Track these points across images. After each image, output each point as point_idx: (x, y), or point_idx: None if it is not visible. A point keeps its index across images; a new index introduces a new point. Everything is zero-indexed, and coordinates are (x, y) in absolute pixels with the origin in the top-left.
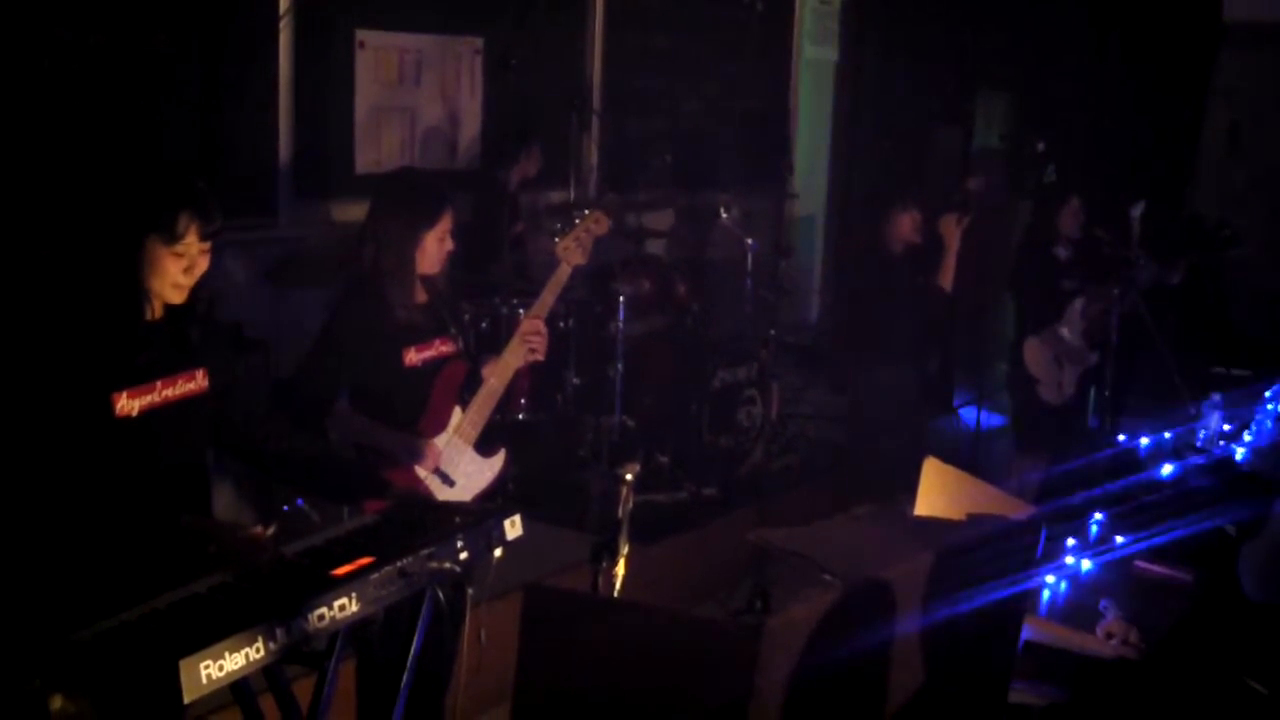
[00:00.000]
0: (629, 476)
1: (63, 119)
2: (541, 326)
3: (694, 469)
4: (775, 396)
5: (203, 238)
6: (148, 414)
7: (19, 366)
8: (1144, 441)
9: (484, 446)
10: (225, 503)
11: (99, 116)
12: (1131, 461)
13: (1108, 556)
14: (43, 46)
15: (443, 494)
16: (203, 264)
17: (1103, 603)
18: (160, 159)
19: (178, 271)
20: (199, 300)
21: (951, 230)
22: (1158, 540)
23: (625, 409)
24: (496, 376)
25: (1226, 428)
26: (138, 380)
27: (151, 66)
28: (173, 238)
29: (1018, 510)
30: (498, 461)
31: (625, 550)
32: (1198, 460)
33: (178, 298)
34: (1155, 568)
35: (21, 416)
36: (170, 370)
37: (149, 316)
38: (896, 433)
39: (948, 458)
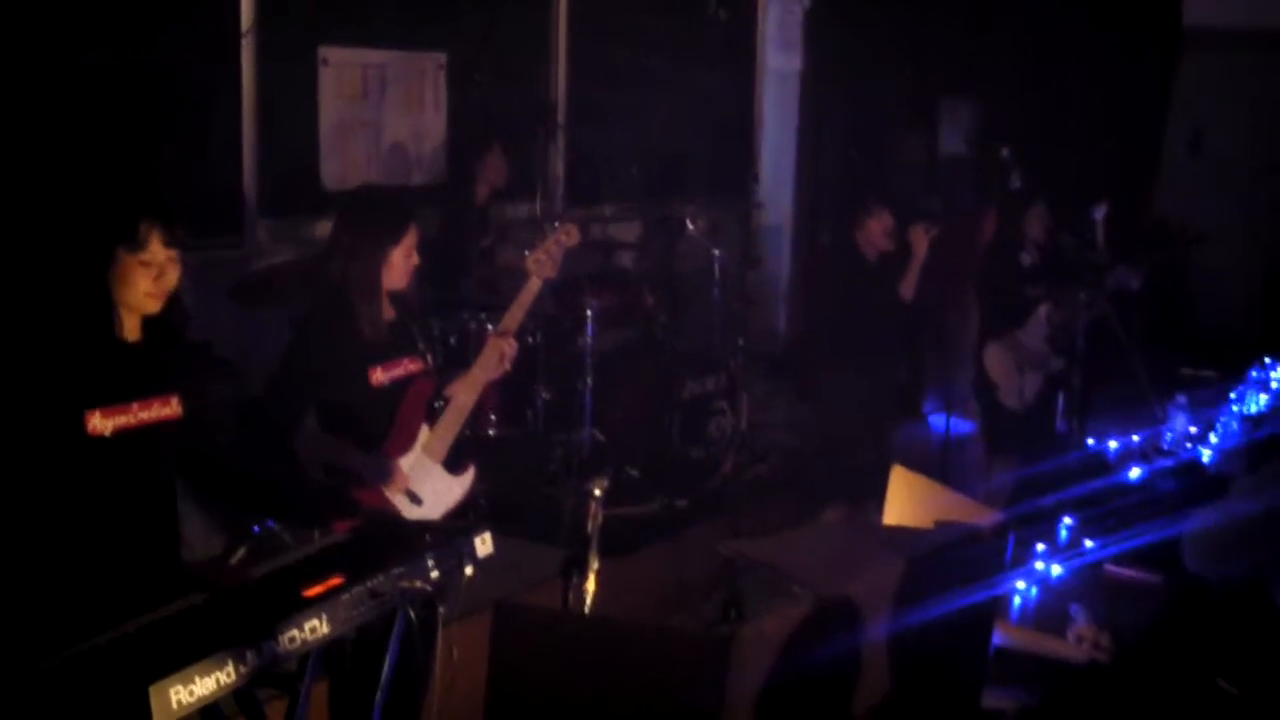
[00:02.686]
0: (598, 492)
1: (26, 140)
2: (511, 339)
3: (665, 481)
4: (745, 407)
5: (166, 244)
6: (120, 435)
7: None
8: (1112, 445)
9: (452, 464)
10: (195, 525)
11: (62, 137)
12: (1100, 465)
13: (1077, 561)
14: (11, 67)
15: (411, 513)
16: (172, 273)
17: (1073, 607)
18: (124, 177)
19: (147, 281)
20: (174, 320)
21: (920, 240)
22: (1127, 544)
23: (595, 422)
24: (464, 392)
25: (1193, 430)
26: (112, 400)
27: (114, 86)
28: (137, 245)
29: (985, 517)
30: (466, 479)
31: (595, 565)
32: (1165, 463)
33: (152, 306)
34: (1125, 571)
35: None
36: (146, 392)
37: (126, 336)
38: (861, 440)
39: (918, 464)
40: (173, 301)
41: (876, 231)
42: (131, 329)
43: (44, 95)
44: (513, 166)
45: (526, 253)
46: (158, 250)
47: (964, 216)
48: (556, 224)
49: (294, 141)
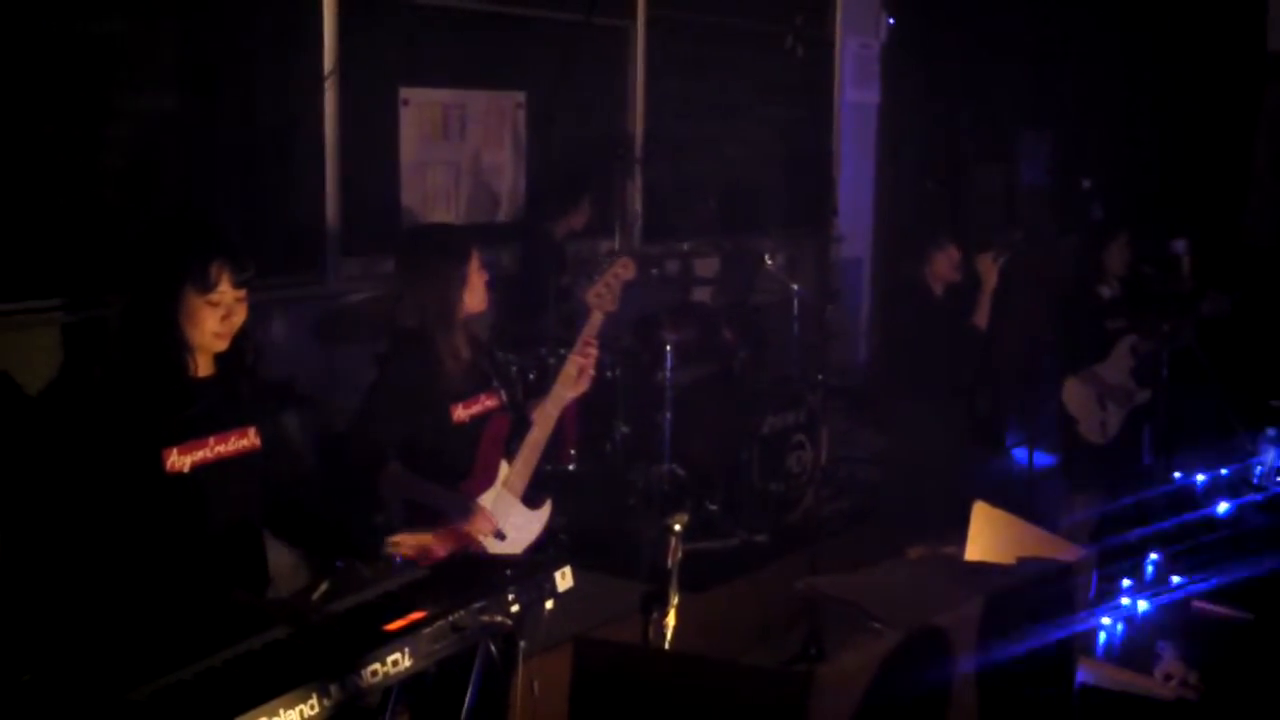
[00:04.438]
0: (677, 527)
1: (110, 182)
2: (589, 351)
3: (744, 516)
4: (825, 441)
5: (236, 285)
6: (199, 469)
7: (71, 424)
8: (1199, 478)
9: (530, 498)
10: (282, 558)
11: (146, 179)
12: (1187, 499)
13: (1165, 597)
14: (91, 113)
15: (495, 549)
16: (240, 312)
17: (1160, 644)
18: (196, 218)
19: (215, 320)
20: (245, 354)
21: (989, 269)
22: (1215, 580)
23: (674, 457)
24: (541, 421)
25: None
26: (188, 436)
27: (201, 128)
28: (206, 286)
29: (1068, 552)
30: (544, 513)
31: (675, 600)
32: (1254, 497)
33: (219, 345)
34: (1213, 607)
35: (75, 473)
36: (222, 426)
37: (196, 371)
38: (937, 473)
39: (1000, 498)
40: (241, 336)
41: (943, 265)
42: (203, 365)
43: (126, 137)
44: (594, 207)
45: (585, 286)
46: (226, 291)
47: (1041, 247)
48: (614, 257)
49: (375, 181)
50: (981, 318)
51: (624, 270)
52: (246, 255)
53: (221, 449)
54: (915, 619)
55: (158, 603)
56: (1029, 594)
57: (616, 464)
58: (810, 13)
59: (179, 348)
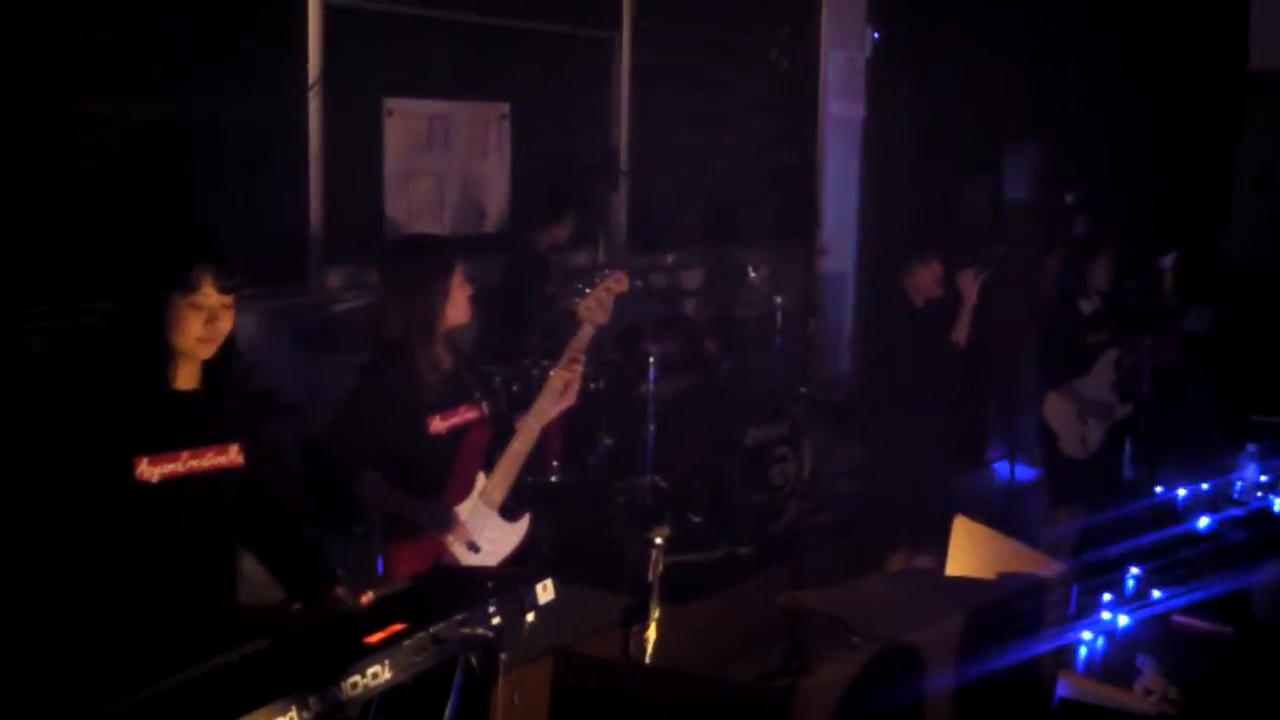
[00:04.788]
0: (659, 540)
1: (95, 189)
2: (575, 367)
3: (727, 527)
4: (808, 454)
5: (220, 289)
6: (168, 482)
7: (45, 426)
8: (1180, 493)
9: (509, 511)
10: (255, 573)
11: (130, 186)
12: (1168, 513)
13: (1145, 611)
14: (77, 120)
15: (468, 561)
16: (226, 319)
17: (1140, 658)
18: (180, 222)
19: (199, 325)
20: (234, 369)
21: (969, 285)
22: (1196, 595)
23: (657, 469)
24: (523, 434)
25: (1264, 478)
26: (162, 447)
27: (185, 136)
28: (189, 288)
29: (1049, 567)
30: (522, 526)
31: (656, 614)
32: (1235, 512)
33: (205, 351)
34: (1194, 622)
35: (46, 476)
36: (200, 441)
37: (181, 384)
38: (918, 486)
39: (981, 511)
40: (230, 350)
41: (926, 279)
42: (188, 377)
43: (109, 145)
44: (579, 219)
45: (577, 301)
46: (210, 294)
47: (1022, 262)
48: (606, 271)
49: (359, 190)
50: (960, 334)
51: (616, 284)
52: (231, 259)
53: (195, 464)
54: (896, 634)
55: (131, 612)
56: (1009, 609)
57: (600, 475)
58: (795, 26)
59: (162, 354)
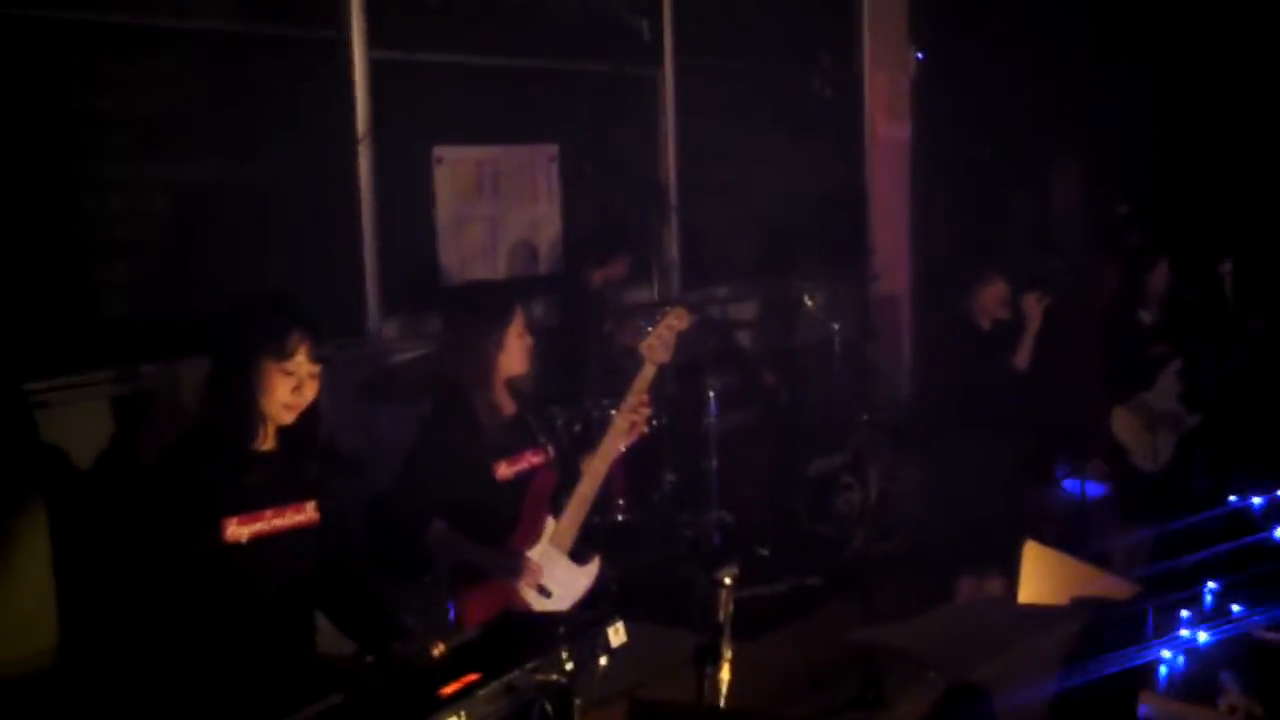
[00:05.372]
0: (728, 580)
1: (154, 255)
2: (642, 403)
3: (795, 559)
4: (873, 480)
5: (312, 358)
6: (256, 541)
7: (136, 490)
8: (1255, 501)
9: (578, 554)
10: (330, 627)
11: (189, 250)
12: (1245, 523)
13: (1225, 627)
14: (136, 182)
15: (541, 606)
16: (311, 387)
17: (1223, 675)
18: (251, 285)
19: (286, 391)
20: (317, 434)
21: (1034, 309)
22: (1277, 611)
23: (722, 503)
24: (589, 475)
25: None
26: (248, 507)
27: (238, 196)
28: (284, 355)
29: (1122, 590)
30: (593, 568)
31: (729, 654)
32: None
33: (287, 417)
34: (1276, 636)
35: (136, 537)
36: (281, 500)
37: (263, 444)
38: (983, 510)
39: (1052, 529)
40: (311, 414)
41: (990, 299)
42: (267, 438)
43: (165, 208)
44: (631, 256)
45: (639, 338)
46: (303, 362)
47: (1080, 279)
48: (667, 308)
49: (412, 239)
50: (1022, 359)
51: (677, 321)
52: (322, 330)
53: (278, 522)
54: (971, 668)
55: (218, 669)
56: (1084, 636)
57: (665, 512)
58: (837, 51)
59: (251, 416)
